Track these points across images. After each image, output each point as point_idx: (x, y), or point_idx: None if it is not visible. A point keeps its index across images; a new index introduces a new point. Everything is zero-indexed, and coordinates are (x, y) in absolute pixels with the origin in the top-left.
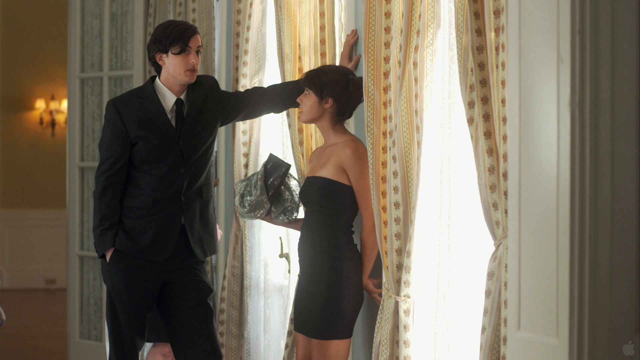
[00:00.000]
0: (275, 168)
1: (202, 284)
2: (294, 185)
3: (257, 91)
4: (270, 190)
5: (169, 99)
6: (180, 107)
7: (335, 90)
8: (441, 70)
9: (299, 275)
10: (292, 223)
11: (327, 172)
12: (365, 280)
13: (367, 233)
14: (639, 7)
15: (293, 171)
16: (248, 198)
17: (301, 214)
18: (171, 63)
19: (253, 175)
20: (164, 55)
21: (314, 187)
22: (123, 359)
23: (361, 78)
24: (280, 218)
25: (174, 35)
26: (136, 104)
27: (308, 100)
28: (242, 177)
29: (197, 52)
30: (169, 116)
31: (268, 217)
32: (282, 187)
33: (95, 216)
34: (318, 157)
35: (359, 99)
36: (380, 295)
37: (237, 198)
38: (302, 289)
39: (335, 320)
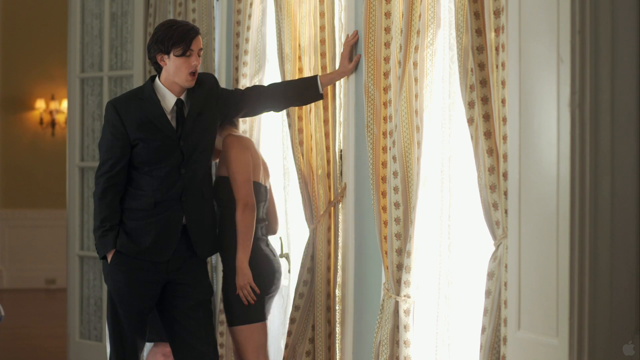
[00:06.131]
0: None
1: (202, 285)
2: None
3: (257, 90)
4: None
5: (169, 100)
6: (181, 107)
7: None
8: (441, 70)
9: None
10: None
11: (219, 170)
12: (240, 264)
13: (237, 215)
14: (639, 7)
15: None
16: None
17: None
18: (172, 64)
19: None
20: (166, 56)
21: (214, 187)
22: None
23: None
24: None
25: (177, 37)
26: (136, 105)
27: None
28: None
29: (199, 54)
30: (169, 117)
31: None
32: None
33: (95, 218)
34: None
35: None
36: (254, 292)
37: None
38: None
39: (235, 307)
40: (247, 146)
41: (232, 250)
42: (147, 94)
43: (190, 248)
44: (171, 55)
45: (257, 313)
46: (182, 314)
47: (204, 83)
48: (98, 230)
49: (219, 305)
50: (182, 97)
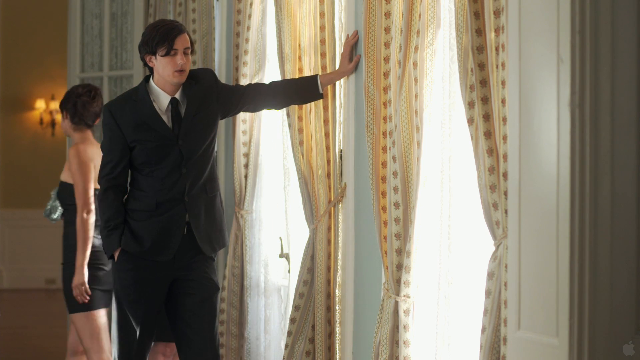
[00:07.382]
0: None
1: (208, 281)
2: None
3: (258, 87)
4: None
5: (163, 100)
6: (176, 106)
7: (66, 105)
8: (441, 70)
9: None
10: None
11: (63, 175)
12: (79, 265)
13: (78, 220)
14: (639, 7)
15: None
16: (50, 204)
17: None
18: (160, 64)
19: None
20: (153, 57)
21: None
22: None
23: (93, 98)
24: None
25: (160, 37)
26: (130, 107)
27: None
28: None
29: (185, 53)
30: (165, 117)
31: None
32: None
33: (101, 218)
34: None
35: (86, 114)
36: (84, 294)
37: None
38: None
39: (72, 296)
40: (91, 157)
41: (72, 247)
42: (140, 95)
43: (196, 245)
44: (157, 55)
45: (87, 302)
46: (187, 311)
47: (201, 79)
48: (104, 231)
49: (219, 305)
50: (177, 95)
